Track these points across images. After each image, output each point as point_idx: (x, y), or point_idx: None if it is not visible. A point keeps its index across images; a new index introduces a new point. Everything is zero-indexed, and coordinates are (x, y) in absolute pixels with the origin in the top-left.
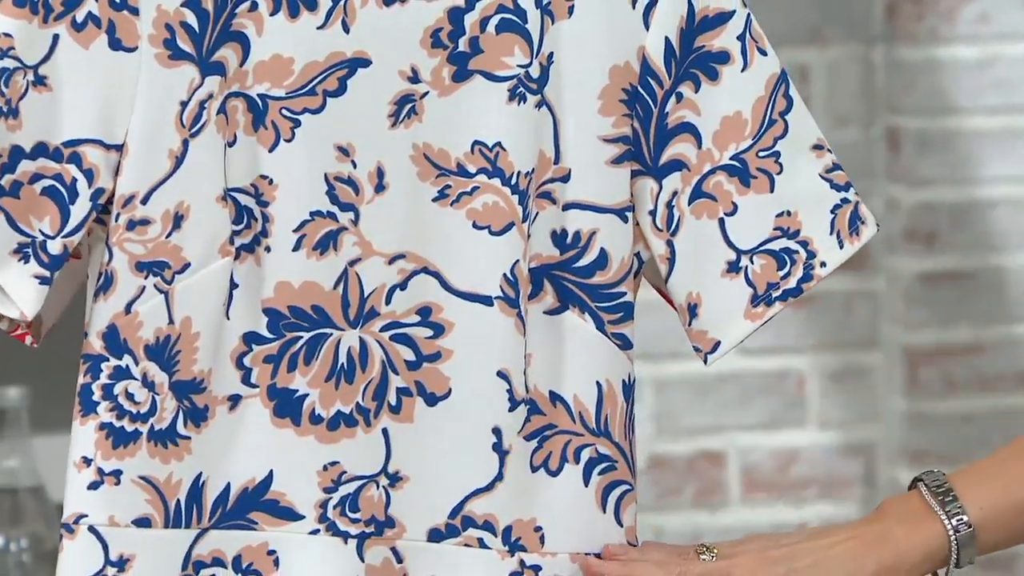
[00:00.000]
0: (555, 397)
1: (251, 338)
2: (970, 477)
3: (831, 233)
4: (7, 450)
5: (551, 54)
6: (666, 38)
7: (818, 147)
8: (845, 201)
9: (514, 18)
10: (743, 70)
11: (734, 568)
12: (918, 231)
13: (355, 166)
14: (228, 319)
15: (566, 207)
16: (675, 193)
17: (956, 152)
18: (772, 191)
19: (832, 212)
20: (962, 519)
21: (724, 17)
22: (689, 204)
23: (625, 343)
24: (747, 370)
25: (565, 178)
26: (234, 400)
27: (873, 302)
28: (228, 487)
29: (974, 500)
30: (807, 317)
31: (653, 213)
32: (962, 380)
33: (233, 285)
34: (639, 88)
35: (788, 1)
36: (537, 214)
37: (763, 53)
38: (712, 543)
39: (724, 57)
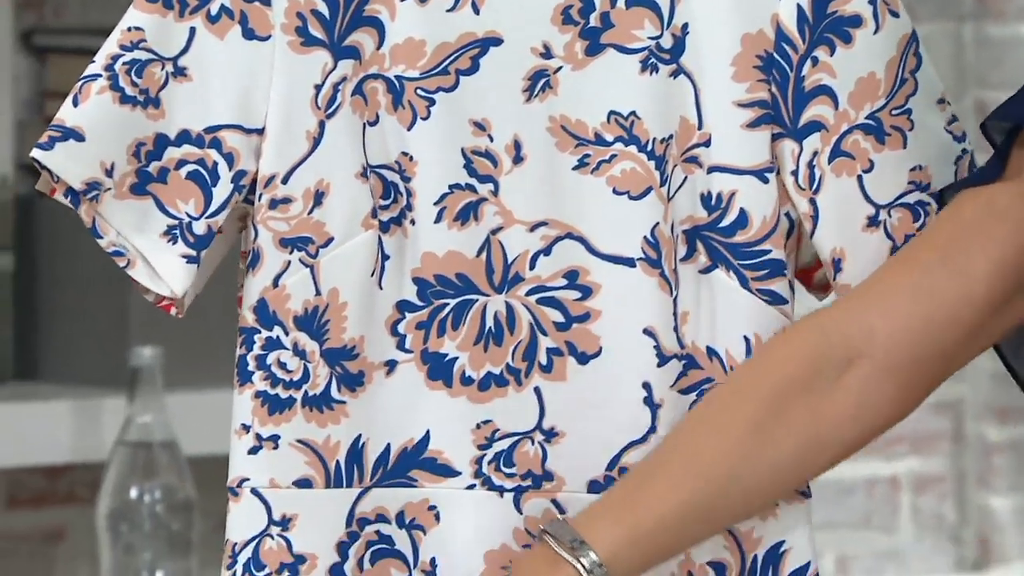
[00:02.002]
0: (711, 352)
1: (404, 306)
2: (595, 519)
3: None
4: (141, 407)
5: (685, 25)
6: (798, 5)
7: (942, 101)
8: (965, 151)
9: None
10: (875, 32)
11: None
12: None
13: (492, 140)
14: (381, 288)
15: (710, 170)
16: (815, 153)
17: None
18: (905, 147)
19: (955, 164)
20: (593, 559)
21: None
22: (829, 163)
23: (775, 298)
24: None
25: (707, 143)
26: (391, 365)
27: None
28: (388, 447)
29: (602, 541)
30: None
31: (795, 173)
32: None
33: (385, 256)
34: (774, 54)
35: None
36: (686, 178)
37: (895, 15)
38: None
39: (857, 20)
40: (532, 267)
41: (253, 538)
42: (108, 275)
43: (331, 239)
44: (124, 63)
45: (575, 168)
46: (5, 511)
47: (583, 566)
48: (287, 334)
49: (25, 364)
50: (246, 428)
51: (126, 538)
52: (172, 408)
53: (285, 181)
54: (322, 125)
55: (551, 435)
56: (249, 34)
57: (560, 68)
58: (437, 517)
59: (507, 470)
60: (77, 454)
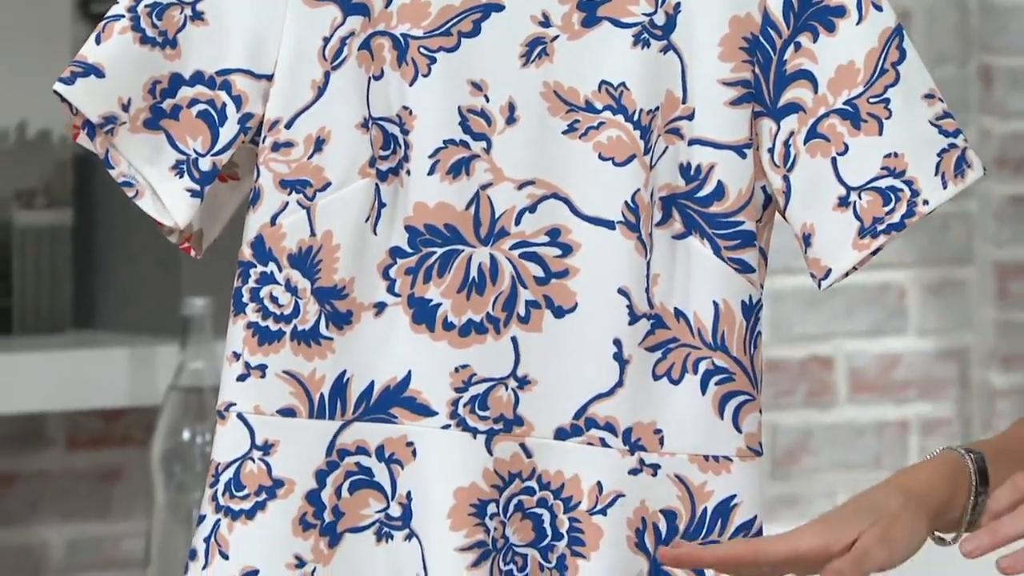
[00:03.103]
0: (679, 313)
1: (396, 252)
2: (978, 441)
3: (936, 174)
4: (193, 353)
5: (677, 4)
6: None
7: (929, 96)
8: (952, 146)
9: None
10: (858, 23)
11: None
12: (1008, 158)
13: (488, 100)
14: (375, 234)
15: (691, 142)
16: (792, 133)
17: None
18: (881, 134)
19: (939, 155)
20: (972, 452)
21: None
22: (804, 143)
23: (744, 267)
24: (853, 283)
25: (690, 116)
26: (380, 307)
27: (967, 222)
28: (372, 384)
29: (981, 445)
30: (907, 236)
31: (772, 151)
32: None
33: (381, 204)
34: (760, 37)
35: None
36: (667, 148)
37: (878, 8)
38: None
39: (841, 11)
40: (517, 223)
41: (235, 460)
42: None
43: (328, 184)
44: (146, 5)
45: (564, 132)
46: (65, 452)
47: (963, 451)
48: (280, 270)
49: (84, 314)
50: (236, 356)
51: (179, 478)
52: (222, 355)
53: (289, 126)
54: (327, 76)
55: (524, 383)
56: None
57: (557, 37)
58: (414, 453)
59: (481, 413)
60: (132, 398)
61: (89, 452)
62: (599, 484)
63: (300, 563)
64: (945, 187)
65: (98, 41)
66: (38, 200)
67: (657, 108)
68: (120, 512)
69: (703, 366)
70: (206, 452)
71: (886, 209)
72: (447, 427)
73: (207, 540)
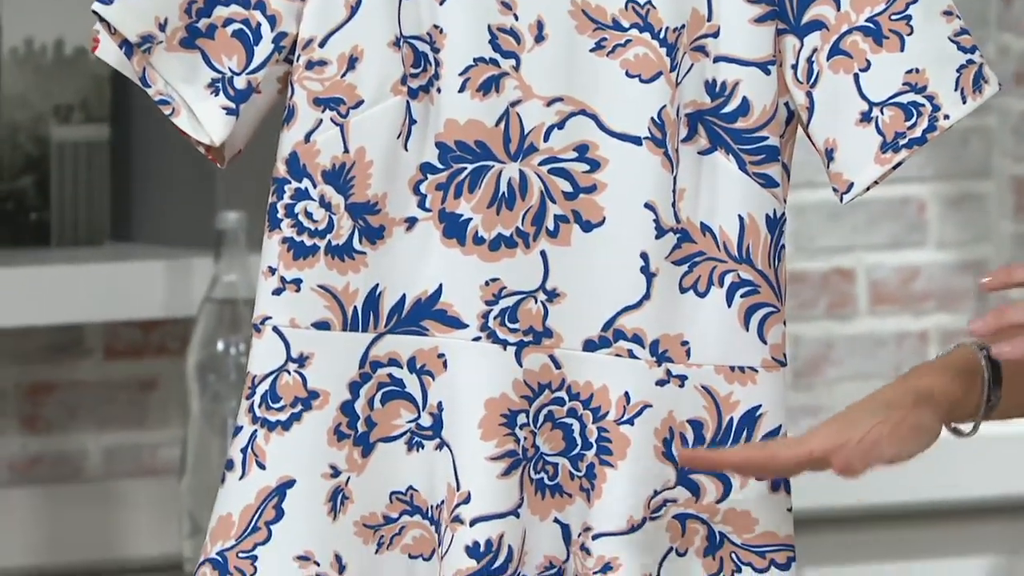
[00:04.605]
0: (705, 227)
1: (426, 167)
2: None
3: (955, 89)
4: (227, 267)
5: None
6: None
7: (948, 13)
8: (970, 62)
9: None
10: None
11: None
12: None
13: (517, 19)
14: (406, 150)
15: (716, 60)
16: (815, 50)
17: None
18: (902, 50)
19: (958, 71)
20: (985, 348)
21: None
22: (827, 60)
23: (768, 181)
24: (874, 197)
25: (716, 34)
26: (411, 222)
27: (986, 137)
28: (403, 297)
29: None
30: (927, 151)
31: (795, 67)
32: None
33: (412, 121)
34: None
35: None
36: (692, 65)
37: None
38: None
39: None
40: (546, 139)
41: (271, 372)
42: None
43: (361, 101)
44: None
45: (592, 50)
46: (103, 362)
47: (976, 347)
48: (315, 186)
49: (120, 227)
50: (272, 270)
51: (213, 387)
52: (255, 268)
53: (322, 45)
54: None
55: (553, 295)
56: None
57: None
58: (445, 365)
59: (511, 325)
60: (168, 310)
61: (126, 362)
62: (627, 395)
63: (335, 472)
64: (964, 102)
65: None
66: (75, 115)
67: (683, 26)
68: (156, 421)
69: (729, 279)
70: (240, 363)
71: (908, 124)
72: (477, 339)
73: (244, 451)
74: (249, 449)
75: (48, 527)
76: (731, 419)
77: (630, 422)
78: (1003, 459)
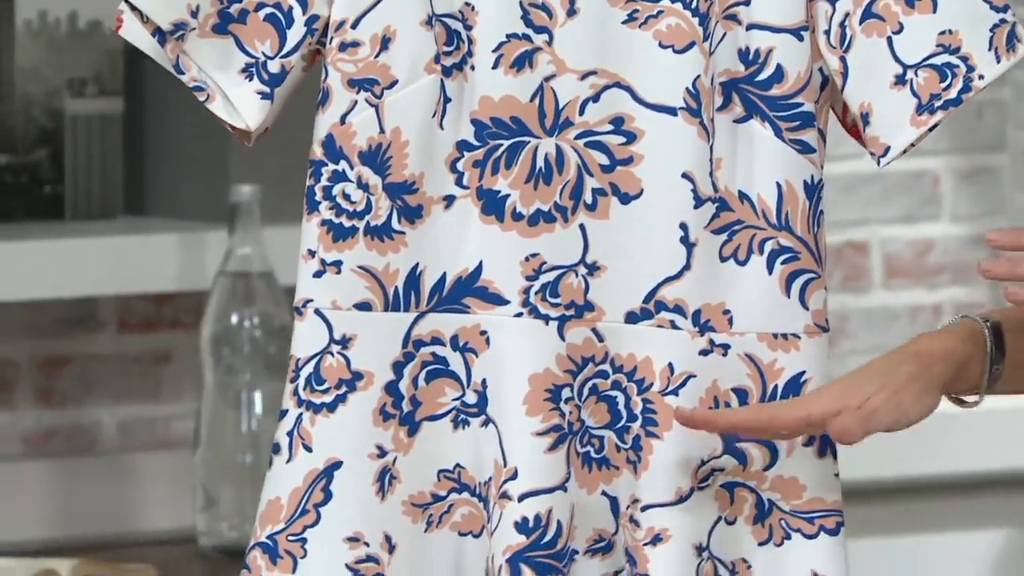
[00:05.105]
0: (743, 196)
1: (462, 145)
2: (996, 310)
3: (989, 49)
4: (241, 240)
5: None
6: None
7: None
8: (1003, 21)
9: None
10: None
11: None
12: None
13: None
14: (442, 128)
15: (749, 27)
16: (847, 14)
17: None
18: (935, 11)
19: (991, 31)
20: (988, 318)
21: None
22: (860, 24)
23: (805, 148)
24: (888, 170)
25: (747, 2)
26: (449, 200)
27: (1000, 110)
28: (444, 276)
29: (999, 315)
30: (941, 124)
31: (828, 33)
32: None
33: (447, 99)
34: None
35: None
36: (725, 34)
37: None
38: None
39: None
40: (581, 113)
41: (315, 355)
42: (210, 117)
43: (395, 81)
44: None
45: (624, 22)
46: (117, 335)
47: (980, 319)
48: (352, 168)
49: (134, 200)
50: (312, 253)
51: (227, 360)
52: (269, 241)
53: (355, 26)
54: None
55: (594, 269)
56: None
57: None
58: (488, 341)
59: (552, 300)
60: (182, 283)
61: (140, 335)
62: (670, 365)
63: (381, 453)
64: (999, 62)
65: None
66: (89, 89)
67: None
68: (170, 394)
69: (768, 246)
70: (254, 336)
71: (943, 85)
72: (519, 315)
73: (290, 434)
74: (295, 432)
75: (62, 500)
76: (776, 386)
77: (675, 393)
78: (1017, 432)
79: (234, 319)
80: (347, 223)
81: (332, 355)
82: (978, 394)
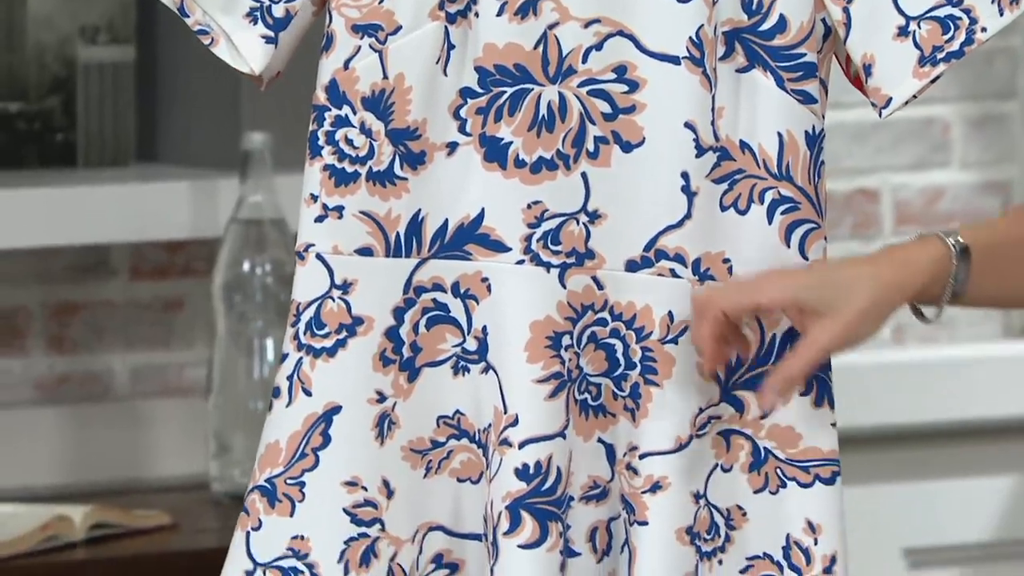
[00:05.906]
0: (744, 145)
1: (466, 92)
2: (969, 229)
3: (992, 2)
4: (252, 187)
5: None
6: None
7: None
8: None
9: None
10: None
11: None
12: None
13: None
14: (446, 75)
15: None
16: None
17: None
18: None
19: None
20: (958, 240)
21: None
22: None
23: (807, 98)
24: (898, 118)
25: None
26: (452, 147)
27: (1011, 57)
28: (446, 222)
29: (963, 236)
30: (951, 70)
31: None
32: None
33: (451, 46)
34: None
35: None
36: None
37: None
38: None
39: None
40: (584, 61)
41: (316, 299)
42: (222, 65)
43: (399, 27)
44: None
45: None
46: (129, 283)
47: (950, 240)
48: (355, 113)
49: (146, 147)
50: (314, 198)
51: (239, 307)
52: (280, 188)
53: None
54: None
55: (595, 217)
56: None
57: None
58: (489, 288)
59: (553, 247)
60: (194, 230)
61: (152, 282)
62: (670, 314)
63: (381, 398)
64: (1002, 14)
65: None
66: (101, 36)
67: None
68: (182, 341)
69: (769, 196)
70: (266, 283)
71: (945, 37)
72: (521, 262)
73: (290, 378)
74: (295, 376)
75: (75, 447)
76: (774, 335)
77: (674, 341)
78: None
79: (246, 266)
80: (349, 168)
81: (333, 300)
82: (939, 307)
